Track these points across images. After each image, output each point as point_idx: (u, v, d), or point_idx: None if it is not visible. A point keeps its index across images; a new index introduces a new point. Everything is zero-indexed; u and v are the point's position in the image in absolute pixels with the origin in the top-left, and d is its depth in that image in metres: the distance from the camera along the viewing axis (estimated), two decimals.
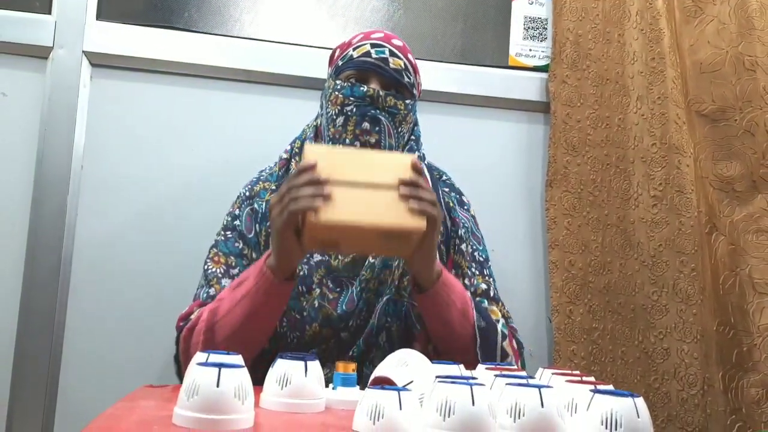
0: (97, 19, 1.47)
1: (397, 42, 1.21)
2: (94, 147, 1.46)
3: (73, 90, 1.43)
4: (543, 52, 1.63)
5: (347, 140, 1.15)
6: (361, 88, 1.15)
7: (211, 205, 1.41)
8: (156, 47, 1.47)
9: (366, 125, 1.14)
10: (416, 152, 1.23)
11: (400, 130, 1.17)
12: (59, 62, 1.43)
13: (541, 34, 1.63)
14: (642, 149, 1.57)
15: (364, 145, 1.14)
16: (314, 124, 1.26)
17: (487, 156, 1.59)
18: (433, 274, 1.05)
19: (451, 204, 1.26)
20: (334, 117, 1.16)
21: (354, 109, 1.14)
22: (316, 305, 1.12)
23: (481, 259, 1.24)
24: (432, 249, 1.02)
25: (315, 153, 0.99)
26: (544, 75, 1.60)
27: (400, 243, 0.99)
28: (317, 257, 1.15)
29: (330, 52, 1.27)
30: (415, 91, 1.22)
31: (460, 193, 1.32)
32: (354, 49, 1.19)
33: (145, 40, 1.47)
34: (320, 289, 1.13)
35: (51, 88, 1.43)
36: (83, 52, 1.44)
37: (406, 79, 1.18)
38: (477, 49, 1.61)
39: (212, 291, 1.13)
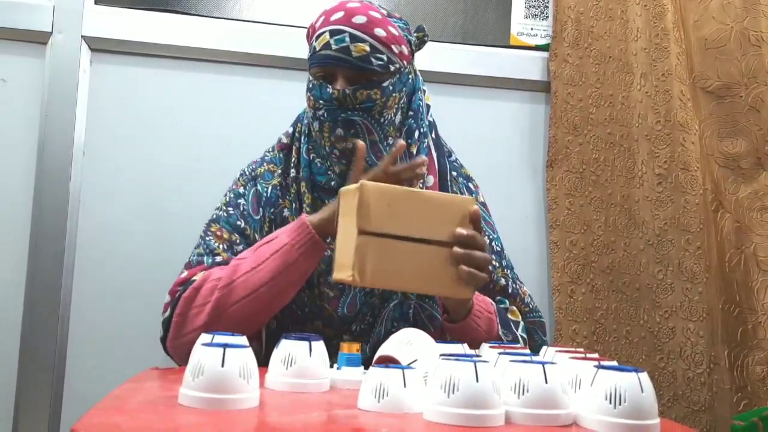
0: (95, 3, 1.46)
1: (359, 19, 1.06)
2: (95, 133, 1.46)
3: (73, 75, 1.43)
4: (545, 30, 1.61)
5: (327, 147, 1.09)
6: (327, 89, 1.06)
7: (213, 190, 1.40)
8: (156, 31, 1.46)
9: (340, 131, 1.07)
10: (418, 130, 1.15)
11: (383, 119, 1.09)
12: (58, 47, 1.43)
13: (543, 13, 1.62)
14: (646, 127, 1.56)
15: (343, 152, 1.08)
16: None
17: (488, 136, 1.58)
18: (465, 311, 1.04)
19: (459, 193, 1.21)
20: (312, 120, 1.11)
21: (325, 114, 1.07)
22: (317, 303, 1.10)
23: (498, 248, 1.21)
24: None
25: (372, 191, 0.89)
26: (545, 54, 1.59)
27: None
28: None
29: None
30: (395, 66, 1.09)
31: (468, 179, 1.27)
32: (316, 39, 1.09)
33: (144, 24, 1.46)
34: (318, 289, 1.10)
35: (50, 73, 1.42)
36: (82, 36, 1.44)
37: (376, 62, 1.06)
38: (478, 29, 1.60)
39: (219, 259, 1.08)
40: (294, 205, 1.14)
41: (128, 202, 1.45)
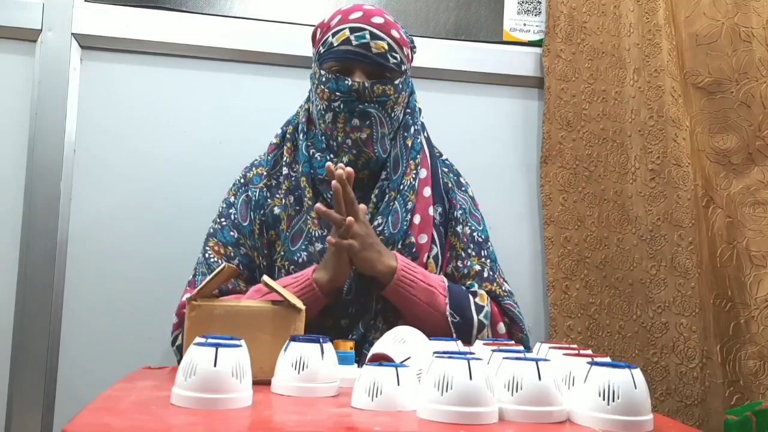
0: (85, 0, 1.45)
1: (377, 20, 1.14)
2: (86, 130, 1.45)
3: (63, 73, 1.42)
4: (537, 26, 1.61)
5: (339, 138, 1.13)
6: (346, 82, 1.11)
7: (205, 187, 1.41)
8: (146, 28, 1.45)
9: (356, 122, 1.12)
10: (413, 126, 1.21)
11: (392, 114, 1.16)
12: (48, 45, 1.42)
13: (536, 8, 1.61)
14: (639, 122, 1.56)
15: (356, 141, 1.13)
16: (306, 107, 1.23)
17: (482, 132, 1.58)
18: (382, 274, 1.08)
19: (450, 185, 1.25)
20: (323, 112, 1.14)
21: (341, 105, 1.12)
22: None
23: (480, 239, 1.24)
24: (365, 257, 1.06)
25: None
26: (538, 50, 1.59)
27: None
28: (318, 246, 1.13)
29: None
30: (404, 67, 1.17)
31: (458, 174, 1.31)
32: (333, 35, 1.14)
33: (134, 21, 1.45)
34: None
35: (40, 71, 1.41)
36: (72, 34, 1.43)
37: (392, 60, 1.14)
38: (471, 25, 1.60)
39: None
40: (285, 200, 1.17)
41: (119, 199, 1.45)
